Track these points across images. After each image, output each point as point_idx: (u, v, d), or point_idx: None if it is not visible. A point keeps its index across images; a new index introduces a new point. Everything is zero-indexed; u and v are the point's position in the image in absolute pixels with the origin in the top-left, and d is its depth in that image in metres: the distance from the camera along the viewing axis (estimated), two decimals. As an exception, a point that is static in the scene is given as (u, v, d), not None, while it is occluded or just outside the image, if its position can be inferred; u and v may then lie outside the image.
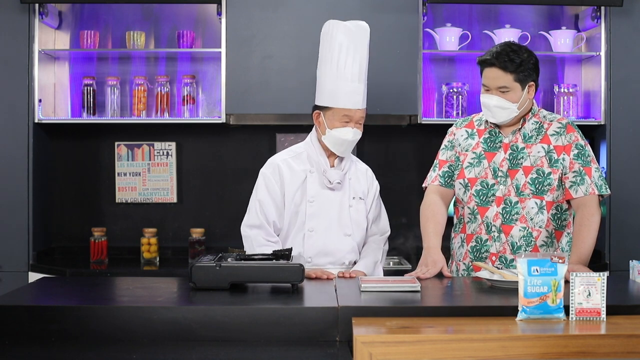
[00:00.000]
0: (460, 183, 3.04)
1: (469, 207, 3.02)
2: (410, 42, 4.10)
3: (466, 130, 3.10)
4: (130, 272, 3.99)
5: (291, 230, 3.04)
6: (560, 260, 2.17)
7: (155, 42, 4.38)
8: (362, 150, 4.49)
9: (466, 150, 3.06)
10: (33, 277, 3.97)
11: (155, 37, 4.39)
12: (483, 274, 2.66)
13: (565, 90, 4.30)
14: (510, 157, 2.97)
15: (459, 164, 3.06)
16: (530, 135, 2.98)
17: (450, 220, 3.15)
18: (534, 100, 3.03)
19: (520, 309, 2.17)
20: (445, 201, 3.09)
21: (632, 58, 4.18)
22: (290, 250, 2.72)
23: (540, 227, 2.93)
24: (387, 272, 4.02)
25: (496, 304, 2.33)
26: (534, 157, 2.94)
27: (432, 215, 3.03)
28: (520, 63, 2.89)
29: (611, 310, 2.20)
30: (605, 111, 4.18)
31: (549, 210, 2.94)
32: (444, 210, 3.06)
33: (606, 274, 2.23)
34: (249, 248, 3.01)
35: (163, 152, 4.44)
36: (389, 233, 3.21)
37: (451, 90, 4.24)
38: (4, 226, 4.10)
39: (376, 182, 3.22)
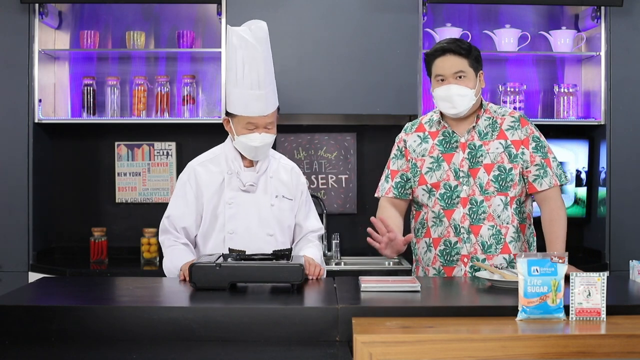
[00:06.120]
0: (423, 189, 2.98)
1: (433, 211, 2.96)
2: (410, 42, 4.09)
3: (418, 135, 3.04)
4: (130, 272, 3.99)
5: (211, 232, 3.00)
6: (560, 260, 2.17)
7: (155, 42, 4.38)
8: (362, 150, 4.49)
9: (422, 156, 3.00)
10: (33, 277, 3.97)
11: (155, 37, 4.39)
12: (483, 274, 2.66)
13: (565, 90, 4.30)
14: (470, 156, 2.94)
15: (417, 171, 3.00)
16: (485, 132, 2.96)
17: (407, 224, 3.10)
18: (481, 96, 3.00)
19: (520, 309, 2.17)
20: (401, 213, 3.05)
21: (632, 58, 4.18)
22: (290, 250, 2.71)
23: (507, 223, 2.92)
24: (387, 272, 4.04)
25: (496, 304, 2.33)
26: (494, 154, 2.93)
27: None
28: (469, 49, 2.91)
29: (611, 310, 2.20)
30: (605, 111, 4.18)
31: (512, 205, 2.93)
32: (400, 223, 3.01)
33: (606, 274, 2.23)
34: (164, 250, 3.01)
35: (163, 152, 4.44)
36: (322, 231, 3.17)
37: (451, 90, 4.23)
38: (4, 226, 4.10)
39: (303, 179, 3.16)
